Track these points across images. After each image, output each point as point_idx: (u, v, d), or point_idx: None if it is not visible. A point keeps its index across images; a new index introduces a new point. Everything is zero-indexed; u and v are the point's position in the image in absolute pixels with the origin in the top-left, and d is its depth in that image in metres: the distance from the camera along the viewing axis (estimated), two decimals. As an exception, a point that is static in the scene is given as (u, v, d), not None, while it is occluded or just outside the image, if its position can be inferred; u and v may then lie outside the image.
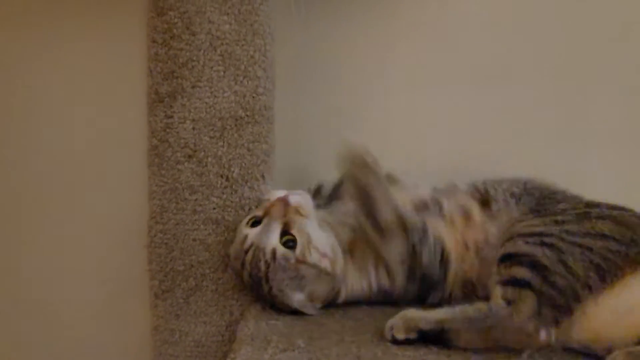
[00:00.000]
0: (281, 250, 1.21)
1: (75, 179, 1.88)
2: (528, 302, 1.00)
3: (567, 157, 1.78)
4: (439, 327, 1.04)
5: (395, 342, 1.07)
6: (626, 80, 1.80)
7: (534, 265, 1.03)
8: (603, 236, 1.05)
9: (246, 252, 1.25)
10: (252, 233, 1.27)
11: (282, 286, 1.23)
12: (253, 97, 1.52)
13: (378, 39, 1.86)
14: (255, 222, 1.31)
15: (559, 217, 1.12)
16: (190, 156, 1.51)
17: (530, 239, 1.07)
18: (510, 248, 1.11)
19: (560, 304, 1.00)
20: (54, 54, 1.85)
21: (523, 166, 1.50)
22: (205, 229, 1.51)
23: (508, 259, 1.09)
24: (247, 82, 1.51)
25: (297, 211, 1.26)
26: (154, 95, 1.52)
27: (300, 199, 1.30)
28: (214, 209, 1.51)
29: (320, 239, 1.25)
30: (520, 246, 1.08)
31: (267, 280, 1.22)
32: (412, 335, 1.06)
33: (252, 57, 1.51)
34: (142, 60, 1.56)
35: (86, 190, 1.88)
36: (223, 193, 1.51)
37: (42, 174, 1.90)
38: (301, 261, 1.21)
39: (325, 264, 1.24)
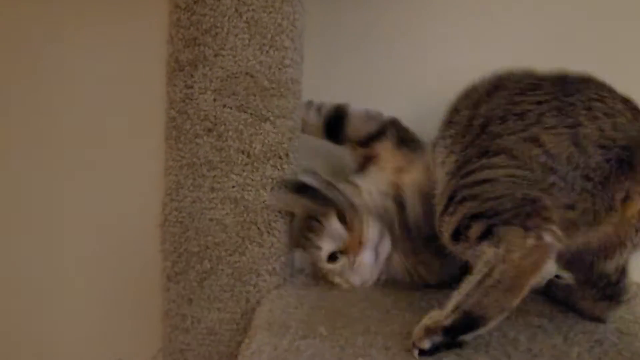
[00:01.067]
0: None
1: (91, 151, 1.81)
2: (503, 231, 0.95)
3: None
4: (460, 313, 0.94)
5: (425, 353, 0.96)
6: None
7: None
8: None
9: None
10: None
11: None
12: (279, 68, 1.41)
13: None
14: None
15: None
16: (209, 130, 1.41)
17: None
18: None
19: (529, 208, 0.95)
20: (71, 22, 1.78)
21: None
22: (223, 209, 1.42)
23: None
24: (274, 52, 1.41)
25: None
26: (174, 64, 1.43)
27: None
28: (233, 187, 1.41)
29: None
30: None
31: None
32: (438, 339, 0.95)
33: (279, 25, 1.41)
34: (163, 27, 1.46)
35: (103, 163, 1.81)
36: (243, 170, 1.41)
37: (58, 145, 1.84)
38: None
39: None
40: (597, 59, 1.63)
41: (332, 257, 1.39)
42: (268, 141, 1.42)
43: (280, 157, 1.44)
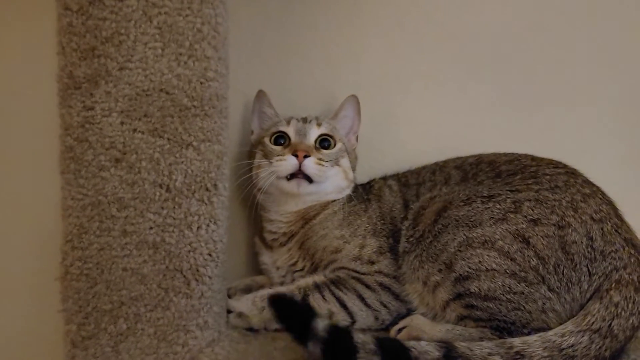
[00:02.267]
0: None
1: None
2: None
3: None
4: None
5: None
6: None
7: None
8: None
9: None
10: None
11: None
12: (201, 82, 1.19)
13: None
14: None
15: None
16: (118, 160, 1.16)
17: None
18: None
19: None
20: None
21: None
22: (140, 255, 1.17)
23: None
24: (194, 63, 1.18)
25: None
26: (67, 80, 1.16)
27: None
28: (151, 228, 1.17)
29: None
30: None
31: None
32: None
33: (199, 31, 1.18)
34: (51, 34, 1.18)
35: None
36: (162, 208, 1.17)
37: None
38: None
39: None
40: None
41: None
42: (192, 171, 1.18)
43: (207, 189, 1.20)
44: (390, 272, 1.37)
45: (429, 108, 1.75)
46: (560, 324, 1.15)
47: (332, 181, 1.49)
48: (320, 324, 1.00)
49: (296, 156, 1.41)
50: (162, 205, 1.17)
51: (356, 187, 1.58)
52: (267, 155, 1.49)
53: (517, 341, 1.07)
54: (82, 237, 1.17)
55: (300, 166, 1.41)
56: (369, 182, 1.63)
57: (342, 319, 1.29)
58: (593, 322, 1.10)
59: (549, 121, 1.76)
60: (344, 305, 1.30)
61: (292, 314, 1.05)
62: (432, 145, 1.73)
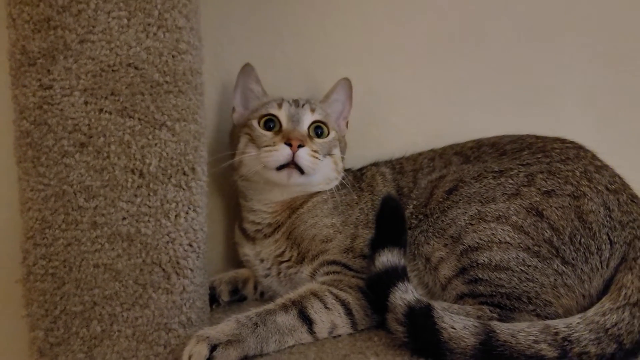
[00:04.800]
0: None
1: None
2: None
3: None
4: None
5: None
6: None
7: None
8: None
9: None
10: None
11: None
12: (173, 56, 1.08)
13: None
14: None
15: None
16: (83, 144, 1.04)
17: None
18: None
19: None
20: None
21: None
22: (113, 250, 1.06)
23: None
24: (164, 34, 1.07)
25: None
26: (20, 56, 1.04)
27: None
28: (124, 219, 1.06)
29: None
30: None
31: None
32: None
33: (168, -2, 1.06)
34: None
35: None
36: (136, 195, 1.06)
37: None
38: None
39: None
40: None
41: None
42: (167, 153, 1.08)
43: (185, 173, 1.10)
44: None
45: (408, 84, 1.68)
46: (573, 299, 1.11)
47: (323, 172, 1.39)
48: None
49: (290, 145, 1.29)
50: (135, 192, 1.06)
51: (347, 175, 1.49)
52: (254, 140, 1.36)
53: (560, 325, 1.01)
54: (45, 233, 1.04)
55: (293, 157, 1.29)
56: (360, 169, 1.55)
57: (343, 331, 1.17)
58: (630, 295, 1.06)
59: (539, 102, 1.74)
60: (349, 311, 1.18)
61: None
62: (413, 122, 1.68)
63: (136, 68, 1.05)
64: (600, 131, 1.75)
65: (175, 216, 1.09)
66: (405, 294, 1.07)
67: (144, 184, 1.06)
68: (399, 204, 1.26)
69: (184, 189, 1.10)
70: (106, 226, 1.05)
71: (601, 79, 1.76)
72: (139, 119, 1.05)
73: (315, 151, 1.34)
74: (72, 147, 1.03)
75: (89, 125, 1.03)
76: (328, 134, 1.43)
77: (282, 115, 1.39)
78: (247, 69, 1.49)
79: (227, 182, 1.51)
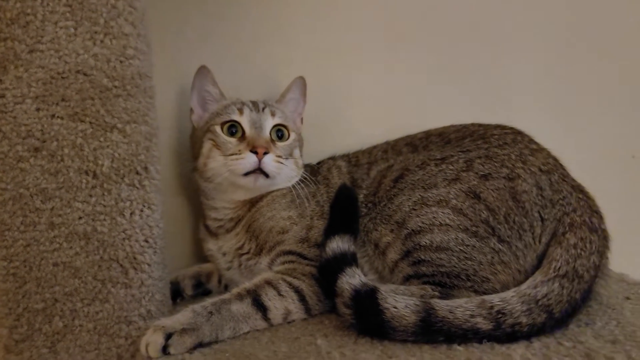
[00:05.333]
0: None
1: None
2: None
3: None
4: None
5: None
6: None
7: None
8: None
9: None
10: None
11: None
12: (121, 61, 1.13)
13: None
14: None
15: None
16: (37, 149, 1.09)
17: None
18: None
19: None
20: None
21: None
22: (71, 248, 1.11)
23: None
24: (111, 41, 1.12)
25: None
26: (-28, 67, 1.07)
27: None
28: (80, 218, 1.11)
29: None
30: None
31: None
32: None
33: (113, 7, 1.12)
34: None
35: None
36: (91, 195, 1.11)
37: None
38: None
39: None
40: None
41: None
42: (119, 154, 1.13)
43: (137, 173, 1.15)
44: None
45: (364, 80, 1.74)
46: (509, 275, 1.17)
47: (285, 172, 1.42)
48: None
49: (256, 153, 1.34)
50: (90, 192, 1.11)
51: (305, 169, 1.54)
52: (219, 147, 1.40)
53: (495, 299, 1.07)
54: (5, 235, 1.09)
55: (259, 164, 1.34)
56: (318, 163, 1.60)
57: (297, 317, 1.23)
58: (559, 268, 1.12)
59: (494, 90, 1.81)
60: (302, 298, 1.23)
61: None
62: (369, 117, 1.74)
63: (85, 74, 1.10)
64: (554, 121, 1.83)
65: (131, 214, 1.14)
66: (352, 279, 1.12)
67: (98, 184, 1.11)
68: (353, 193, 1.33)
69: (137, 188, 1.15)
70: (63, 226, 1.10)
71: (553, 70, 1.84)
72: (90, 122, 1.10)
73: (279, 156, 1.38)
74: (26, 152, 1.08)
75: (42, 130, 1.08)
76: (289, 136, 1.47)
77: (245, 121, 1.42)
78: (202, 71, 1.52)
79: (190, 182, 1.56)
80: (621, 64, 1.87)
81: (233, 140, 1.41)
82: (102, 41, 1.11)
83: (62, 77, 1.09)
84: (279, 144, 1.44)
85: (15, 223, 1.09)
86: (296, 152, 1.48)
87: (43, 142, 1.08)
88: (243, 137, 1.41)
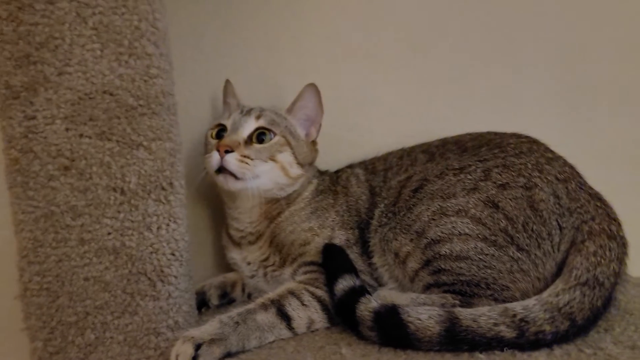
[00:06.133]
0: None
1: None
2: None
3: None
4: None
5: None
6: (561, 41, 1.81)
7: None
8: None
9: None
10: None
11: None
12: (145, 80, 1.16)
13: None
14: None
15: None
16: (67, 168, 1.12)
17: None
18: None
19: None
20: None
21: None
22: (100, 263, 1.14)
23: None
24: (135, 61, 1.15)
25: None
26: (4, 91, 1.12)
27: None
28: (109, 234, 1.14)
29: None
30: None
31: None
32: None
33: (137, 28, 1.15)
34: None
35: None
36: (119, 212, 1.15)
37: None
38: None
39: None
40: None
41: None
42: (145, 171, 1.16)
43: (163, 188, 1.18)
44: (358, 266, 1.36)
45: (378, 87, 1.76)
46: (529, 283, 1.19)
47: (269, 177, 1.42)
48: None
49: (219, 151, 1.36)
50: (118, 209, 1.14)
51: (323, 178, 1.57)
52: (205, 148, 1.50)
53: (518, 307, 1.09)
54: (37, 251, 1.13)
55: (222, 162, 1.37)
56: (336, 172, 1.62)
57: (320, 326, 1.26)
58: (580, 275, 1.14)
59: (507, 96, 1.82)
60: (324, 307, 1.26)
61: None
62: (383, 124, 1.76)
63: (111, 94, 1.13)
64: (569, 127, 1.84)
65: (157, 228, 1.18)
66: (369, 304, 1.15)
67: (125, 200, 1.15)
68: (335, 246, 1.38)
69: (163, 203, 1.18)
70: (93, 242, 1.13)
71: (561, 75, 1.84)
72: (117, 141, 1.14)
73: (245, 156, 1.38)
74: (57, 171, 1.12)
75: (71, 149, 1.12)
76: (271, 139, 1.45)
77: (228, 123, 1.47)
78: (225, 85, 1.61)
79: (213, 192, 1.59)
80: (636, 66, 1.87)
81: (214, 141, 1.47)
82: (126, 62, 1.14)
83: (90, 98, 1.12)
84: (256, 145, 1.43)
85: (47, 240, 1.13)
86: (282, 157, 1.45)
87: (72, 160, 1.12)
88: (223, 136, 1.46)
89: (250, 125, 1.45)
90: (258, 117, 1.47)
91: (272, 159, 1.44)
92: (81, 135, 1.12)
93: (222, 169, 1.38)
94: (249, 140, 1.43)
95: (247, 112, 1.49)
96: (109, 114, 1.13)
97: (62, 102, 1.11)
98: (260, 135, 1.45)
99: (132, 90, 1.14)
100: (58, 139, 1.12)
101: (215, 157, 1.37)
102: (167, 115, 1.19)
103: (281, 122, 1.50)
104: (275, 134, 1.46)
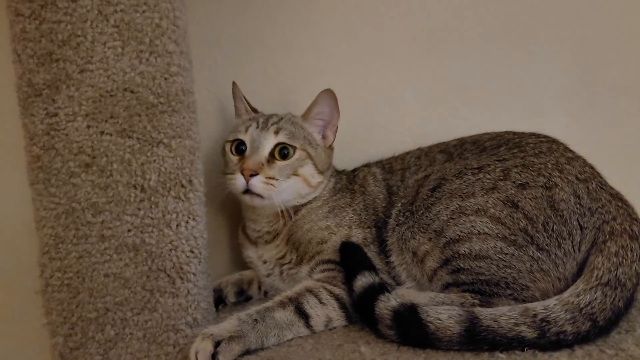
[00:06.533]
0: None
1: None
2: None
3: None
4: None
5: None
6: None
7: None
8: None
9: None
10: None
11: None
12: (165, 78, 1.17)
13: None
14: None
15: None
16: (88, 165, 1.13)
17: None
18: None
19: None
20: None
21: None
22: (121, 259, 1.15)
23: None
24: (156, 59, 1.16)
25: None
26: (27, 88, 1.13)
27: None
28: (129, 231, 1.15)
29: None
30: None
31: None
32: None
33: (158, 26, 1.16)
34: (5, 41, 1.15)
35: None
36: (139, 209, 1.16)
37: None
38: None
39: None
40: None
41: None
42: (165, 168, 1.17)
43: (182, 186, 1.19)
44: (375, 264, 1.35)
45: (393, 86, 1.76)
46: (549, 282, 1.18)
47: (290, 191, 1.43)
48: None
49: (243, 175, 1.36)
50: (138, 206, 1.15)
51: (340, 177, 1.57)
52: (227, 164, 1.47)
53: (539, 307, 1.08)
54: (59, 247, 1.14)
55: (247, 185, 1.36)
56: (353, 171, 1.62)
57: (338, 324, 1.26)
58: (601, 276, 1.13)
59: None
60: (342, 305, 1.26)
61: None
62: (399, 123, 1.76)
63: (132, 92, 1.14)
64: (580, 124, 1.83)
65: (177, 225, 1.18)
66: (388, 302, 1.15)
67: (145, 197, 1.15)
68: (352, 244, 1.37)
69: (182, 200, 1.19)
70: (113, 238, 1.14)
71: (579, 73, 1.83)
72: (138, 138, 1.14)
73: (270, 178, 1.37)
74: (78, 167, 1.13)
75: (92, 147, 1.13)
76: (293, 154, 1.44)
77: (247, 139, 1.45)
78: (233, 88, 1.59)
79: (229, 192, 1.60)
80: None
81: (235, 158, 1.45)
82: (147, 59, 1.15)
83: (111, 95, 1.13)
84: (279, 163, 1.42)
85: (68, 236, 1.14)
86: (305, 170, 1.45)
87: (93, 158, 1.13)
88: (244, 156, 1.43)
89: (270, 142, 1.44)
90: (277, 132, 1.45)
91: (295, 173, 1.44)
92: (102, 133, 1.13)
93: (247, 190, 1.38)
94: (270, 158, 1.43)
95: (264, 124, 1.47)
96: (129, 111, 1.14)
97: (84, 99, 1.12)
98: (282, 150, 1.44)
99: (153, 88, 1.15)
100: (79, 136, 1.13)
101: (240, 181, 1.37)
102: (187, 113, 1.19)
103: (299, 134, 1.49)
104: (295, 149, 1.45)
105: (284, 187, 1.41)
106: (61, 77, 1.11)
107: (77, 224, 1.13)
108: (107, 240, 1.14)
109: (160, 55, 1.16)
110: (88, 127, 1.13)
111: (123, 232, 1.15)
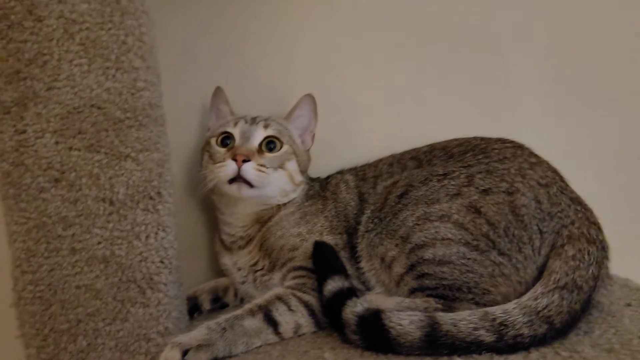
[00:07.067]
0: None
1: None
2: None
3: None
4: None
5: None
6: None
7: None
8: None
9: None
10: None
11: None
12: (132, 93, 1.19)
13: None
14: None
15: None
16: (57, 180, 1.16)
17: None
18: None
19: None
20: None
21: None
22: (91, 271, 1.18)
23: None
24: (122, 75, 1.18)
25: None
26: (-4, 106, 1.15)
27: None
28: (99, 243, 1.18)
29: None
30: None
31: None
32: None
33: (124, 43, 1.18)
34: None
35: None
36: (108, 221, 1.18)
37: None
38: None
39: None
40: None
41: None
42: (133, 182, 1.19)
43: (151, 198, 1.21)
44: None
45: (367, 93, 1.78)
46: (510, 287, 1.21)
47: (277, 185, 1.47)
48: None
49: (236, 160, 1.39)
50: (107, 219, 1.18)
51: (314, 184, 1.60)
52: (212, 157, 1.49)
53: (497, 311, 1.11)
54: (30, 261, 1.16)
55: (239, 171, 1.39)
56: (326, 178, 1.65)
57: (307, 330, 1.28)
58: (559, 279, 1.15)
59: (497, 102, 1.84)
60: (311, 312, 1.29)
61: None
62: (374, 129, 1.79)
63: (99, 108, 1.16)
64: (559, 126, 1.85)
65: (146, 237, 1.21)
66: (355, 308, 1.18)
67: (114, 210, 1.18)
68: (327, 244, 1.41)
69: (152, 212, 1.21)
70: (84, 251, 1.17)
71: (557, 75, 1.86)
72: (105, 153, 1.17)
73: (261, 165, 1.42)
74: (47, 183, 1.15)
75: (61, 162, 1.15)
76: (280, 148, 1.50)
77: (236, 132, 1.49)
78: (217, 92, 1.63)
79: (208, 198, 1.63)
80: (627, 66, 1.88)
81: (222, 150, 1.49)
82: (114, 76, 1.17)
83: (78, 112, 1.16)
84: (268, 154, 1.48)
85: (39, 249, 1.16)
86: (290, 166, 1.51)
87: (62, 173, 1.16)
88: (233, 147, 1.47)
89: (260, 134, 1.49)
90: (266, 127, 1.50)
91: (282, 167, 1.49)
92: (70, 148, 1.16)
93: (236, 178, 1.40)
94: (259, 149, 1.47)
95: (253, 120, 1.52)
96: (97, 127, 1.17)
97: (52, 116, 1.15)
98: (269, 144, 1.49)
99: (120, 104, 1.18)
100: (48, 152, 1.15)
101: (231, 167, 1.40)
102: (154, 126, 1.22)
103: (285, 131, 1.55)
104: (283, 143, 1.51)
105: (272, 178, 1.45)
106: (29, 95, 1.14)
107: (47, 237, 1.16)
108: (78, 253, 1.17)
109: (126, 71, 1.18)
110: (56, 143, 1.15)
111: (93, 244, 1.17)
